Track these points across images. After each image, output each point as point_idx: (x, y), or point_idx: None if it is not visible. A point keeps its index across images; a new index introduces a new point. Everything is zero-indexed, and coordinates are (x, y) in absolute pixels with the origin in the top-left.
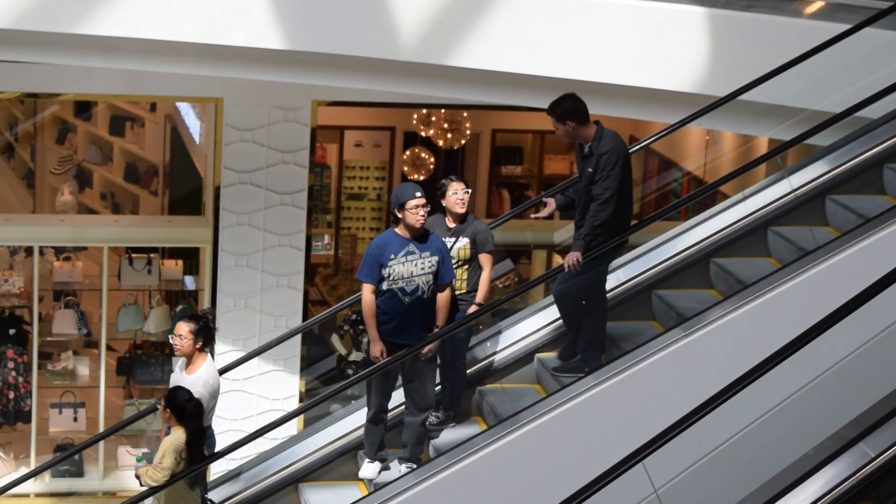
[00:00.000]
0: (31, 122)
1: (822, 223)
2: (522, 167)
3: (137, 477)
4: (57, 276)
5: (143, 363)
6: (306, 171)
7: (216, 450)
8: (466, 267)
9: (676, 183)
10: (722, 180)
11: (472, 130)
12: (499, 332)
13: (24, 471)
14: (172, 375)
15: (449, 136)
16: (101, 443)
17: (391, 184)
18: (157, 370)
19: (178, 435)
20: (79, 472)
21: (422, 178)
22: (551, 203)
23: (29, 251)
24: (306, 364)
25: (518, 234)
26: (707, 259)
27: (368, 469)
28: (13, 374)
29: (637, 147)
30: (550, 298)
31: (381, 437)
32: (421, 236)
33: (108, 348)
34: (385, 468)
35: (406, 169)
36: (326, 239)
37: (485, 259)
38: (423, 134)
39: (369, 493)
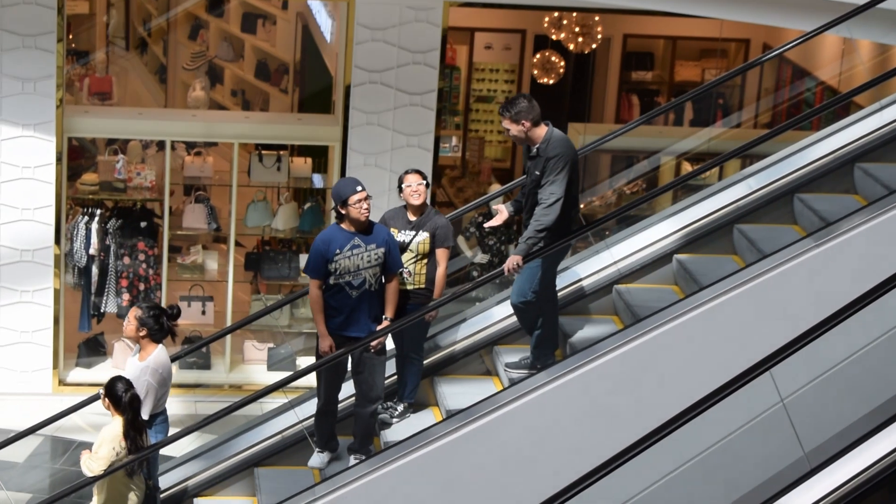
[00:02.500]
0: (164, 17)
1: None
2: (653, 73)
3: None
4: (188, 170)
5: (270, 259)
6: (436, 73)
7: (169, 434)
8: (425, 261)
9: (809, 92)
10: (857, 90)
11: (603, 35)
12: (635, 234)
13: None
14: (129, 358)
15: (580, 39)
16: (228, 336)
17: (520, 87)
18: (283, 267)
19: (116, 425)
20: (206, 365)
21: (551, 81)
22: (503, 210)
23: (161, 145)
24: None
25: (647, 140)
26: (852, 164)
27: (317, 459)
28: (144, 266)
29: (759, 60)
30: (682, 203)
31: (332, 428)
32: (366, 229)
33: (237, 244)
34: (335, 458)
35: (536, 72)
36: (454, 141)
37: (441, 254)
38: (553, 37)
39: (317, 483)
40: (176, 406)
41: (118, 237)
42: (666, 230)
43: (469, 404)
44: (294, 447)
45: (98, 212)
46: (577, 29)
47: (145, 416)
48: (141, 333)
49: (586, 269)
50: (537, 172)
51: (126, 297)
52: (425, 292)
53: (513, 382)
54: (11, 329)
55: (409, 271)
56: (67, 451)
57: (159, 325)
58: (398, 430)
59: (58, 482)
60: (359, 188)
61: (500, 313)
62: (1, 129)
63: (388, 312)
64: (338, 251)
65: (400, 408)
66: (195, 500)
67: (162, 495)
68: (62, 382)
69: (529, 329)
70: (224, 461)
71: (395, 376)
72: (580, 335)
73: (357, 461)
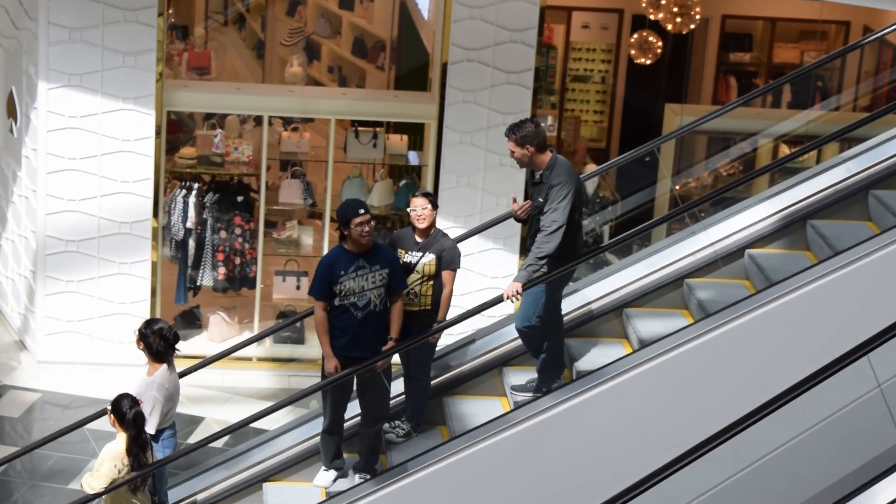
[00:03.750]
0: None
1: None
2: (751, 54)
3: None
4: (284, 146)
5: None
6: (533, 51)
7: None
8: (431, 283)
9: None
10: None
11: (701, 15)
12: (708, 228)
13: (247, 335)
14: (139, 375)
15: (678, 20)
16: None
17: (617, 67)
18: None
19: (118, 442)
20: (300, 339)
21: (648, 62)
22: (525, 204)
23: (258, 121)
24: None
25: (744, 122)
26: None
27: (323, 477)
28: (240, 240)
29: (859, 43)
30: (761, 196)
31: (337, 447)
32: (370, 250)
33: (332, 219)
34: (342, 476)
35: (633, 52)
36: (550, 120)
37: (447, 277)
38: (651, 17)
39: (323, 501)
40: (270, 380)
41: (215, 211)
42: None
43: (475, 425)
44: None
45: (195, 186)
46: (675, 9)
47: (151, 430)
48: (141, 348)
49: (685, 249)
50: (540, 199)
51: (222, 270)
52: (431, 314)
53: (518, 405)
54: (109, 300)
55: (415, 292)
56: None
57: (152, 346)
58: (404, 450)
59: None
60: (361, 211)
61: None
62: (102, 103)
63: (393, 333)
64: (342, 273)
65: (406, 427)
66: None
67: None
68: None
69: (535, 353)
70: (236, 474)
71: (403, 396)
72: (588, 359)
73: (362, 480)
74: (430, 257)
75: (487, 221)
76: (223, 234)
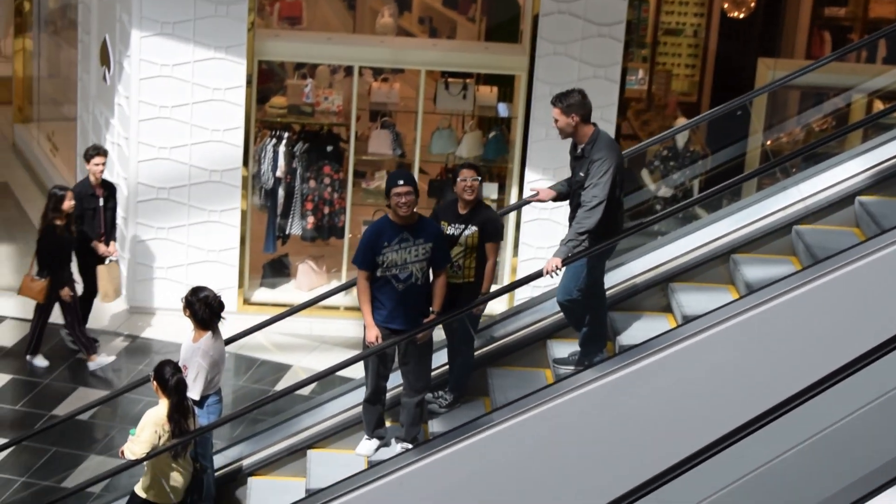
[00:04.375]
0: None
1: None
2: (846, 9)
3: (122, 453)
4: (374, 96)
5: (453, 187)
6: (625, 4)
7: (221, 416)
8: (474, 255)
9: None
10: None
11: None
12: (815, 175)
13: (334, 284)
14: (184, 341)
15: None
16: None
17: (709, 21)
18: None
19: (160, 408)
20: None
21: (742, 15)
22: (548, 192)
23: (348, 71)
24: None
25: (838, 77)
26: None
27: (365, 446)
28: (329, 189)
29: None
30: (870, 143)
31: (379, 416)
32: (415, 223)
33: (421, 170)
34: (385, 445)
35: (726, 6)
36: (640, 73)
37: (490, 249)
38: None
39: (365, 470)
40: (357, 329)
41: (304, 160)
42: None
43: (517, 397)
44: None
45: (285, 135)
46: None
47: (196, 396)
48: (186, 314)
49: (770, 207)
50: (581, 174)
51: (311, 220)
52: (474, 286)
53: (559, 378)
54: (199, 248)
55: (458, 265)
56: (251, 369)
57: (197, 312)
58: (446, 420)
59: (240, 399)
60: (401, 182)
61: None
62: (194, 51)
63: (436, 306)
64: (386, 244)
65: (449, 398)
66: (249, 479)
67: (217, 473)
68: (247, 302)
69: (577, 326)
70: (282, 440)
71: (446, 366)
72: (631, 333)
73: (403, 450)
74: (472, 229)
75: (522, 200)
76: (312, 183)
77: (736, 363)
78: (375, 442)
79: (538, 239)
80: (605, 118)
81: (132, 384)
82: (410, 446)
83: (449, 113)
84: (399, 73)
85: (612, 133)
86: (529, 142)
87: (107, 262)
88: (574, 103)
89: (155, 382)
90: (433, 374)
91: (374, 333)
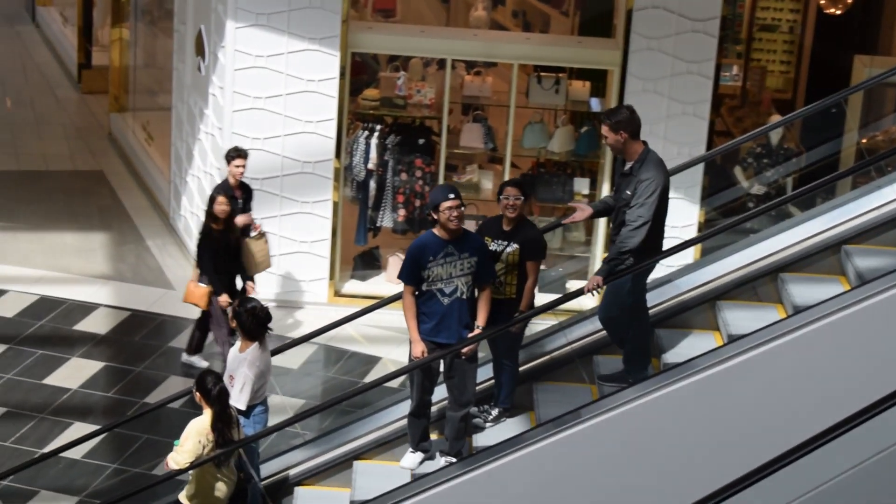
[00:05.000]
0: None
1: None
2: None
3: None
4: (467, 89)
5: (544, 181)
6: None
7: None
8: (516, 272)
9: None
10: None
11: None
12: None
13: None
14: (231, 350)
15: None
16: None
17: (805, 17)
18: (558, 189)
19: (202, 419)
20: None
21: (838, 12)
22: (586, 209)
23: (441, 64)
24: (707, 194)
25: None
26: None
27: (409, 459)
28: (420, 182)
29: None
30: None
31: (424, 429)
32: (460, 237)
33: (512, 164)
34: (430, 458)
35: (823, 2)
36: (735, 70)
37: (531, 267)
38: None
39: (408, 483)
40: None
41: (396, 153)
42: None
43: (561, 413)
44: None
45: (378, 127)
46: None
47: (242, 406)
48: (233, 325)
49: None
50: (628, 192)
51: (402, 212)
52: (516, 302)
53: (603, 395)
54: (291, 239)
55: (500, 281)
56: (340, 361)
57: (247, 325)
58: (491, 435)
59: (329, 390)
60: (451, 196)
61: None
62: (288, 42)
63: (480, 321)
64: (431, 258)
65: (494, 412)
66: (296, 488)
67: (265, 482)
68: (337, 293)
69: (620, 343)
70: (329, 451)
71: (492, 381)
72: (677, 350)
73: (447, 463)
74: (514, 247)
75: (558, 218)
76: (404, 176)
77: (782, 385)
78: (420, 455)
79: (671, 218)
80: (698, 114)
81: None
82: (455, 460)
83: (541, 107)
84: (492, 66)
85: (704, 130)
86: None
87: (252, 234)
88: (622, 120)
89: (197, 393)
90: (479, 388)
91: (419, 348)
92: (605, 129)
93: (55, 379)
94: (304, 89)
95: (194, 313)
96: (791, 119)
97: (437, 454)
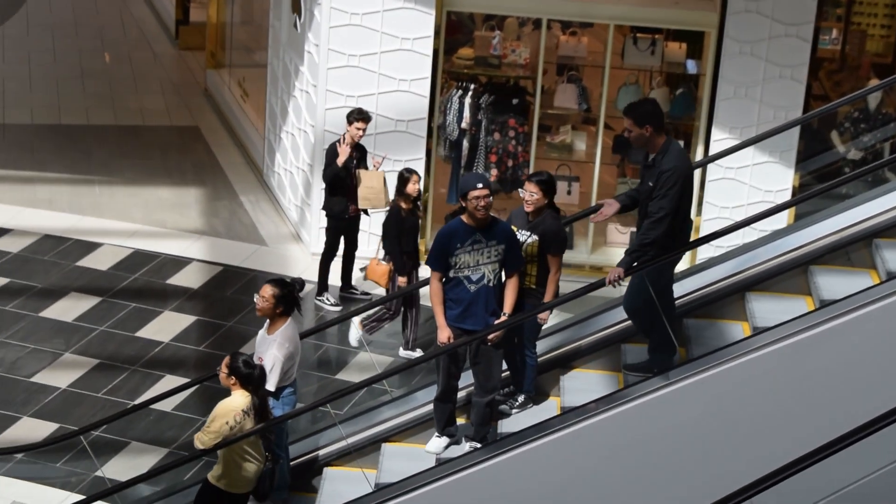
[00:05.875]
0: None
1: None
2: None
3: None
4: (562, 49)
5: None
6: None
7: (295, 406)
8: (536, 263)
9: None
10: None
11: None
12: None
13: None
14: (259, 333)
15: None
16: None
17: None
18: None
19: (231, 400)
20: (569, 245)
21: None
22: (613, 203)
23: (537, 24)
24: (802, 158)
25: None
26: None
27: (435, 443)
28: (513, 143)
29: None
30: None
31: (450, 414)
32: (488, 226)
33: (606, 126)
34: (455, 443)
35: None
36: (834, 33)
37: (551, 260)
38: None
39: (433, 467)
40: None
41: (490, 113)
42: None
43: (586, 401)
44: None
45: (472, 86)
46: None
47: (272, 388)
48: (278, 311)
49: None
50: (650, 184)
51: (494, 172)
52: (536, 293)
53: (628, 384)
54: None
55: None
56: (429, 320)
57: (291, 300)
58: (516, 421)
59: (424, 345)
60: (479, 185)
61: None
62: (384, 0)
63: (507, 308)
64: (459, 246)
65: (520, 398)
66: (325, 469)
67: (295, 461)
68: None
69: (646, 333)
70: (359, 432)
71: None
72: (704, 340)
73: (472, 448)
74: (533, 238)
75: (763, 133)
76: (497, 135)
77: (812, 376)
78: (445, 440)
79: (723, 199)
80: (796, 78)
81: (310, 331)
82: (479, 445)
83: (636, 68)
84: (587, 27)
85: (801, 94)
86: (717, 100)
87: (369, 168)
88: (646, 113)
89: (226, 374)
90: (505, 374)
91: (445, 334)
92: (628, 123)
93: (147, 332)
94: (399, 47)
95: (288, 269)
96: (890, 83)
97: (463, 439)
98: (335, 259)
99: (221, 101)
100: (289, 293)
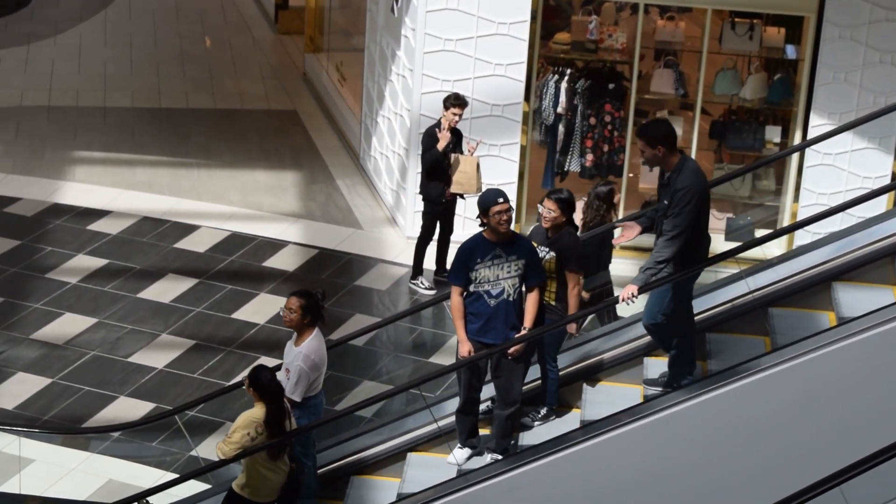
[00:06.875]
0: None
1: None
2: None
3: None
4: (659, 34)
5: (735, 129)
6: None
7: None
8: (555, 279)
9: None
10: None
11: None
12: None
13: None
14: (287, 344)
15: None
16: None
17: None
18: (748, 137)
19: (253, 411)
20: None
21: None
22: (635, 227)
23: (634, 9)
24: None
25: None
26: None
27: (457, 454)
28: (609, 128)
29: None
30: None
31: (472, 425)
32: (509, 240)
33: (703, 111)
34: (478, 454)
35: None
36: None
37: (568, 276)
38: None
39: (453, 478)
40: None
41: (586, 97)
42: None
43: (606, 414)
44: None
45: (568, 71)
46: None
47: (298, 398)
48: (306, 321)
49: None
50: (665, 202)
51: (590, 157)
52: (556, 309)
53: (647, 399)
54: None
55: None
56: None
57: (317, 309)
58: (537, 433)
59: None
60: (500, 199)
61: None
62: None
63: (527, 322)
64: (479, 261)
65: (543, 411)
66: (352, 477)
67: (320, 471)
68: None
69: (666, 348)
70: (388, 440)
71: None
72: (723, 357)
73: (493, 460)
74: (551, 254)
75: (862, 117)
76: (593, 120)
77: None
78: (468, 451)
79: (820, 185)
80: (894, 62)
81: (405, 312)
82: (500, 457)
83: (734, 53)
84: (685, 11)
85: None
86: (816, 85)
87: (464, 153)
88: (658, 134)
89: (250, 388)
90: (526, 388)
91: (466, 348)
92: (641, 144)
93: (243, 314)
94: (496, 32)
95: (382, 253)
96: None
97: (485, 451)
98: (431, 243)
99: (319, 85)
100: (315, 303)
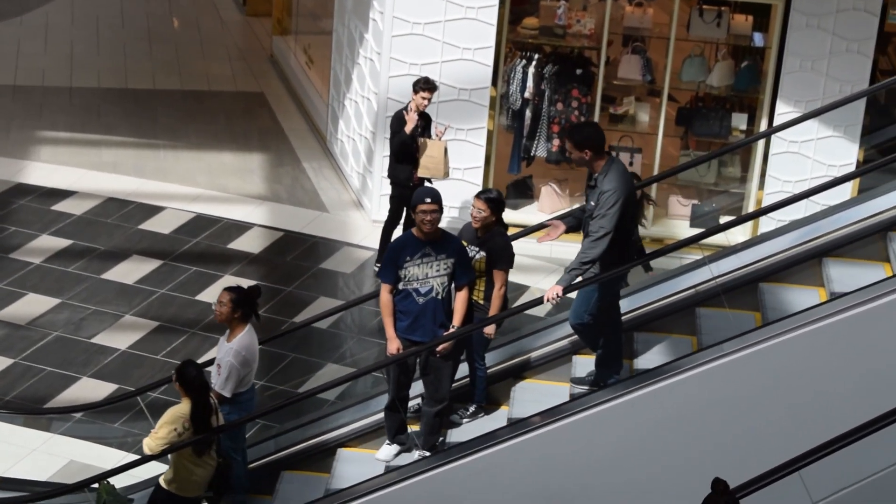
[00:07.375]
0: None
1: None
2: None
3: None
4: (627, 20)
5: (702, 116)
6: None
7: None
8: (483, 279)
9: None
10: None
11: None
12: None
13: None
14: (220, 340)
15: None
16: (655, 186)
17: None
18: (715, 124)
19: (180, 407)
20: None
21: None
22: (559, 225)
23: None
24: (867, 132)
25: None
26: None
27: (385, 451)
28: (576, 113)
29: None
30: None
31: (400, 422)
32: (439, 239)
33: (670, 98)
34: (406, 451)
35: None
36: None
37: (497, 275)
38: None
39: (381, 475)
40: None
41: (553, 83)
42: None
43: (533, 412)
44: None
45: (536, 56)
46: None
47: (228, 394)
48: (237, 315)
49: None
50: (592, 203)
51: (556, 142)
52: (484, 308)
53: (573, 397)
54: None
55: None
56: None
57: (250, 305)
58: (465, 431)
59: None
60: (428, 200)
61: None
62: None
63: (456, 321)
64: (408, 258)
65: (471, 409)
66: (282, 472)
67: (255, 464)
68: None
69: (593, 348)
70: (318, 436)
71: (467, 379)
72: (650, 356)
73: (421, 457)
74: (481, 254)
75: (826, 105)
76: (560, 106)
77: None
78: (396, 447)
79: (786, 172)
80: (863, 52)
81: (370, 294)
82: (428, 454)
83: (702, 40)
84: None
85: (868, 68)
86: (782, 73)
87: (433, 137)
88: (585, 137)
89: (177, 382)
90: (455, 385)
91: (394, 346)
92: (568, 146)
93: (207, 295)
94: (464, 16)
95: (348, 236)
96: None
97: (413, 447)
98: (397, 227)
99: (287, 67)
100: (246, 297)
